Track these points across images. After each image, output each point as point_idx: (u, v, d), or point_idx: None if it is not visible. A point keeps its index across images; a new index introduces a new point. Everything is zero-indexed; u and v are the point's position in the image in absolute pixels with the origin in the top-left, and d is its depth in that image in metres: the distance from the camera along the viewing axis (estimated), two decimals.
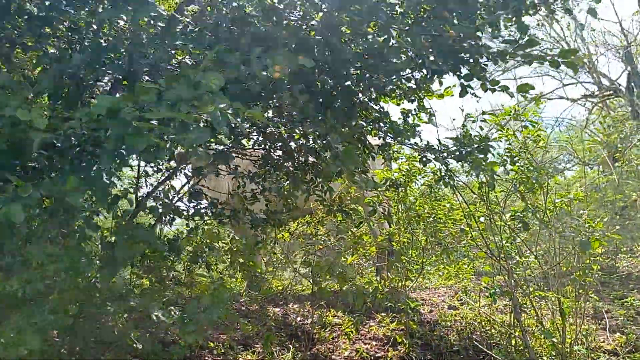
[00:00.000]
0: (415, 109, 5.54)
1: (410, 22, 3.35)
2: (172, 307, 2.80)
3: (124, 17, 2.43)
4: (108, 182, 2.29)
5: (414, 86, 5.22)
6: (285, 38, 3.07)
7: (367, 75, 3.38)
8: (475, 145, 3.78)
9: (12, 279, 2.18)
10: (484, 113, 5.40)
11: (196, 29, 3.07)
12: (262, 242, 6.24)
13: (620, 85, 18.14)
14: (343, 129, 2.74)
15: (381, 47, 3.11)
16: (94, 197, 2.25)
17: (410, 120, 4.73)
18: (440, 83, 5.11)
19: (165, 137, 2.18)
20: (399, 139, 3.84)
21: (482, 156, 3.90)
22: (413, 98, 5.69)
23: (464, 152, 3.90)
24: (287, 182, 5.65)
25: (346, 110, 3.44)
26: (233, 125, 2.10)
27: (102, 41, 2.59)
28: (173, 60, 3.14)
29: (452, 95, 6.50)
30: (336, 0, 3.05)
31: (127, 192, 2.71)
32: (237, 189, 5.46)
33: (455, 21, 3.89)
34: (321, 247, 7.32)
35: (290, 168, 5.53)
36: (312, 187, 5.67)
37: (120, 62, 2.75)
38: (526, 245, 5.79)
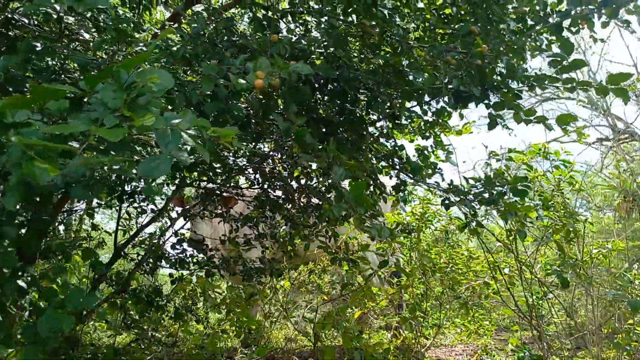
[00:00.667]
0: (431, 146, 4.93)
1: (432, 35, 2.76)
2: None
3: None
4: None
5: (430, 119, 4.63)
6: (277, 46, 2.47)
7: (380, 100, 2.76)
8: (509, 186, 3.12)
9: None
10: (510, 151, 4.74)
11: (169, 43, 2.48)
12: (258, 294, 5.53)
13: (635, 128, 17.63)
14: (350, 161, 2.10)
15: (398, 63, 2.49)
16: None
17: (425, 158, 4.10)
18: (461, 116, 4.51)
19: (105, 168, 1.56)
20: (417, 177, 3.19)
21: (516, 200, 3.24)
22: (428, 134, 5.09)
23: (494, 194, 3.24)
24: (286, 226, 5.01)
25: (353, 141, 2.82)
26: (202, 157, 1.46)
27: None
28: None
29: (471, 133, 5.88)
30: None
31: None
32: (229, 234, 4.79)
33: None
34: (325, 298, 6.59)
35: (292, 210, 4.89)
36: (314, 232, 5.00)
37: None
38: (560, 303, 5.03)
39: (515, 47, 3.50)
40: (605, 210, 12.92)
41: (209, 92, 2.14)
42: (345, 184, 2.43)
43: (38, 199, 2.01)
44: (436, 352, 7.61)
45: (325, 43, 2.50)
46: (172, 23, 3.54)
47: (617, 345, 4.64)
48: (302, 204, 4.80)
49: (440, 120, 4.80)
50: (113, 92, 1.26)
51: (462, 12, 3.70)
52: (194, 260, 4.53)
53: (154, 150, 3.23)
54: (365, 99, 2.86)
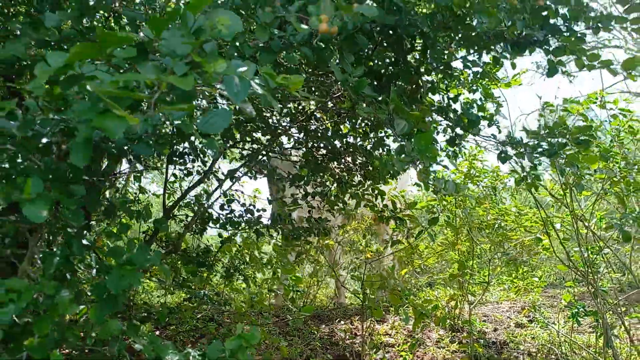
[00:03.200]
0: (480, 99, 4.75)
1: None
2: (190, 350, 2.12)
3: None
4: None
5: (481, 69, 4.44)
6: None
7: (438, 48, 2.62)
8: (574, 136, 2.96)
9: None
10: (566, 101, 4.53)
11: None
12: (304, 254, 5.55)
13: None
14: (408, 110, 2.00)
15: (462, 3, 2.34)
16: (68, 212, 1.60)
17: (481, 109, 3.93)
18: (514, 66, 4.31)
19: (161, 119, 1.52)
20: (474, 130, 3.06)
21: (580, 150, 3.08)
22: (475, 87, 4.90)
23: (555, 146, 3.09)
24: (331, 185, 4.95)
25: (409, 92, 2.70)
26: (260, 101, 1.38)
27: None
28: None
29: (521, 84, 5.64)
30: None
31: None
32: (276, 194, 4.78)
33: None
34: (369, 256, 6.58)
35: (337, 169, 4.83)
36: (361, 190, 4.93)
37: None
38: (618, 258, 4.87)
39: None
40: None
41: (261, 44, 2.05)
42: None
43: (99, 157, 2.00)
44: (482, 309, 7.56)
45: None
46: None
47: None
48: (347, 163, 4.72)
49: (489, 71, 4.60)
50: (181, 37, 1.19)
51: None
52: (243, 220, 4.53)
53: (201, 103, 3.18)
54: (420, 47, 2.72)
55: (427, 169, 2.10)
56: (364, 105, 2.23)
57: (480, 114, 4.52)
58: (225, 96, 1.42)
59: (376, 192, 4.98)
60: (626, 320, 4.76)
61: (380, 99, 2.10)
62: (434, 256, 6.04)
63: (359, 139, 4.59)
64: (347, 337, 6.04)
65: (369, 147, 4.55)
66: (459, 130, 3.26)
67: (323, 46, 2.03)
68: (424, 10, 2.56)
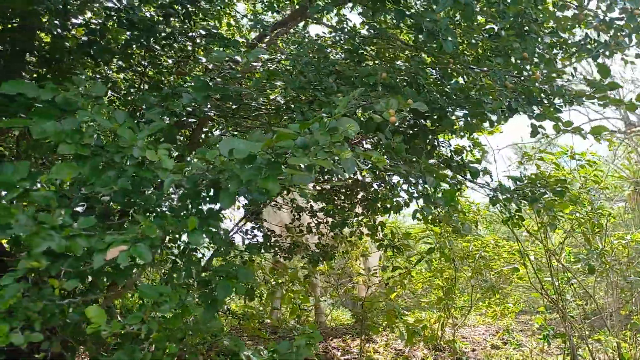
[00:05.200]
0: (469, 146, 5.54)
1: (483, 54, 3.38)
2: (262, 347, 2.76)
3: (239, 58, 2.47)
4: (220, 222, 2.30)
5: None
6: (372, 78, 3.09)
7: (450, 117, 3.38)
8: (552, 187, 3.74)
9: (129, 317, 2.18)
10: (541, 152, 5.35)
11: (286, 70, 3.11)
12: (310, 276, 6.20)
13: None
14: (437, 170, 2.73)
15: (468, 88, 3.11)
16: (210, 237, 2.25)
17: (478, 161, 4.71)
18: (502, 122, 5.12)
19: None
20: (474, 179, 3.81)
21: (556, 198, 3.86)
22: (462, 134, 5.70)
23: (537, 194, 3.86)
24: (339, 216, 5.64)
25: (425, 149, 3.44)
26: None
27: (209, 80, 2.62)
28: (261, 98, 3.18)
29: (501, 132, 6.49)
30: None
31: (227, 231, 2.71)
32: (292, 222, 5.46)
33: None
34: (362, 279, 7.27)
35: (346, 202, 5.52)
36: (364, 221, 5.65)
37: (226, 103, 2.79)
38: (583, 288, 5.67)
39: (548, 57, 4.11)
40: (615, 201, 13.47)
41: None
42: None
43: None
44: (461, 331, 8.29)
45: (412, 73, 3.12)
46: (259, 43, 4.15)
47: (634, 325, 5.28)
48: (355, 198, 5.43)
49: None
50: (322, 135, 1.89)
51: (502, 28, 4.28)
52: (262, 245, 5.17)
53: None
54: (435, 115, 3.46)
55: (451, 214, 2.82)
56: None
57: (469, 158, 5.31)
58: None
59: (377, 223, 5.70)
60: (589, 342, 5.53)
61: (414, 160, 2.83)
62: (422, 282, 6.76)
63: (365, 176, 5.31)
64: (341, 353, 6.67)
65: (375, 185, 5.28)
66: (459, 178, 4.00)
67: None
68: (445, 89, 3.30)
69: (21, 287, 2.19)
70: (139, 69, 3.65)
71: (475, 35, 4.10)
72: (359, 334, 6.58)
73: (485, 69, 3.54)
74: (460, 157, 3.98)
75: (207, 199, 2.26)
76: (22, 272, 2.16)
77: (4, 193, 2.20)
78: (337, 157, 1.93)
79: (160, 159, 2.03)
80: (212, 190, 2.25)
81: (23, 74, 2.81)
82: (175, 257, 2.64)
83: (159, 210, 2.30)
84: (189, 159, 2.59)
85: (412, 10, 3.28)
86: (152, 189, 2.29)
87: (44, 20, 2.76)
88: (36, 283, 2.49)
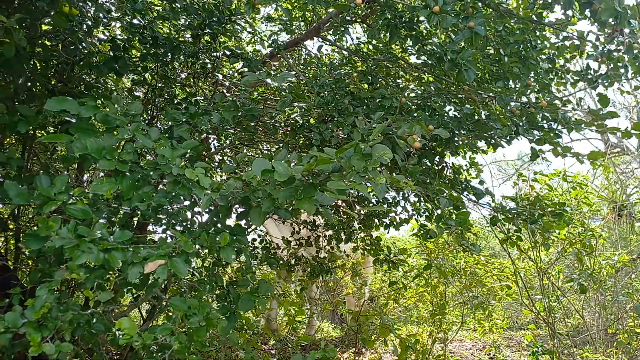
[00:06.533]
0: (466, 164, 5.71)
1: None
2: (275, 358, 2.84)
3: (269, 80, 2.57)
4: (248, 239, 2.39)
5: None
6: (389, 100, 3.21)
7: (459, 140, 3.53)
8: (550, 209, 3.89)
9: (159, 329, 2.24)
10: (535, 173, 5.53)
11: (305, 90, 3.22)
12: (306, 289, 6.27)
13: (627, 143, 18.46)
14: (451, 191, 2.85)
15: (477, 113, 3.25)
16: (240, 252, 2.34)
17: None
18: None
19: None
20: (479, 199, 3.94)
21: (554, 220, 4.01)
22: (459, 153, 5.87)
23: (536, 215, 4.00)
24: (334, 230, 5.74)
25: (434, 170, 3.57)
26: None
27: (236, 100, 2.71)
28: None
29: (494, 152, 6.67)
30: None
31: (249, 246, 2.79)
32: (292, 235, 5.53)
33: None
34: (352, 292, 7.37)
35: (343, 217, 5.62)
36: (363, 236, 5.76)
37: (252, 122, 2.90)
38: (572, 306, 5.84)
39: (545, 82, 4.29)
40: (594, 219, 13.78)
41: None
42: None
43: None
44: (449, 346, 8.42)
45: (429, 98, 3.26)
46: (271, 60, 4.25)
47: (620, 343, 5.45)
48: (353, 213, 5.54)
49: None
50: (357, 160, 1.99)
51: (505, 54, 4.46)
52: (262, 256, 5.24)
53: None
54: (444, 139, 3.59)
55: (463, 234, 2.93)
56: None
57: (465, 176, 5.45)
58: None
59: (373, 238, 5.82)
60: (577, 359, 5.70)
61: (427, 181, 2.94)
62: (413, 296, 6.87)
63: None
64: None
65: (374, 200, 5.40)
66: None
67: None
68: (456, 114, 3.44)
69: (51, 298, 2.24)
70: (151, 82, 3.72)
71: (477, 59, 4.27)
72: (349, 346, 6.66)
73: (491, 94, 3.69)
74: (460, 176, 4.12)
75: (238, 216, 2.34)
76: (57, 283, 2.22)
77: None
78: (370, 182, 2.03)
79: (198, 177, 2.11)
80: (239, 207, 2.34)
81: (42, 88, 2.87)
82: (195, 271, 2.71)
83: (187, 226, 2.38)
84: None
85: (425, 36, 3.41)
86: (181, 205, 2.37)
87: (75, 36, 2.83)
88: (61, 293, 2.55)
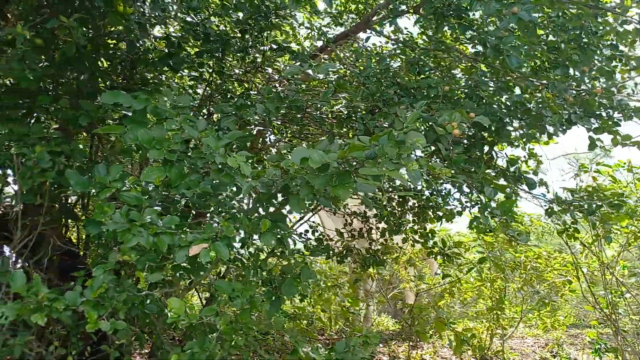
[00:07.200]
0: (524, 156, 5.55)
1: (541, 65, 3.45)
2: (320, 345, 2.91)
3: (311, 72, 2.65)
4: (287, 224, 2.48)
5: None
6: (434, 90, 3.20)
7: (508, 129, 3.47)
8: (609, 200, 3.75)
9: (204, 309, 2.37)
10: (598, 164, 5.31)
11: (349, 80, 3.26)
12: (360, 280, 6.33)
13: None
14: (495, 180, 2.82)
15: (528, 101, 3.18)
16: (279, 237, 2.43)
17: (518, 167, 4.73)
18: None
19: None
20: (532, 189, 3.86)
21: (613, 211, 3.86)
22: (517, 143, 5.71)
23: (594, 206, 3.87)
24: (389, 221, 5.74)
25: (483, 160, 3.52)
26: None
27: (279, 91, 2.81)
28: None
29: (557, 143, 6.45)
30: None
31: (290, 233, 2.88)
32: (344, 227, 5.60)
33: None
34: (406, 286, 7.35)
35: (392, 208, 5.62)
36: (413, 227, 5.73)
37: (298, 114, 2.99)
38: (637, 301, 5.58)
39: (608, 69, 4.11)
40: None
41: None
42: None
43: None
44: (509, 342, 8.23)
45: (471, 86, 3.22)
46: (320, 53, 4.32)
47: None
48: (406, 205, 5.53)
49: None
50: (390, 147, 2.02)
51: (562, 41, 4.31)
52: (316, 246, 5.33)
53: None
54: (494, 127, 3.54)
55: (509, 223, 2.90)
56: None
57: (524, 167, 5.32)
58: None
59: (427, 230, 5.77)
60: None
61: (472, 170, 2.92)
62: (471, 290, 6.77)
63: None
64: (388, 358, 6.76)
65: (427, 193, 5.36)
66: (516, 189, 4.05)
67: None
68: (506, 103, 3.38)
69: (107, 279, 2.41)
70: (209, 78, 3.89)
71: (535, 46, 4.15)
72: (406, 340, 6.66)
73: (544, 81, 3.59)
74: (515, 167, 4.02)
75: (278, 203, 2.43)
76: (111, 264, 2.39)
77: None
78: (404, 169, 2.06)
79: (240, 165, 2.21)
80: (280, 195, 2.43)
81: (108, 84, 3.07)
82: (242, 256, 2.83)
83: (232, 212, 2.49)
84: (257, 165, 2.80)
85: (475, 25, 3.37)
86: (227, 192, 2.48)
87: (132, 34, 3.01)
88: (117, 275, 2.73)
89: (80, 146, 3.11)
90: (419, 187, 5.37)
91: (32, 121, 2.96)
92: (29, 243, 2.97)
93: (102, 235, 2.43)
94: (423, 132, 2.83)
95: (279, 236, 2.43)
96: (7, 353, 2.69)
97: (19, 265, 3.50)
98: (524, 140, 5.11)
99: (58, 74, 2.84)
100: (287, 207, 2.49)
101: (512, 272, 6.72)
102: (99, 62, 3.37)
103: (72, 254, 3.83)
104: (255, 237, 2.47)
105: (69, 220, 4.44)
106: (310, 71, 2.62)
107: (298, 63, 3.02)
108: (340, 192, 2.05)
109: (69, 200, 4.33)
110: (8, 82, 2.94)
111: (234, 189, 2.44)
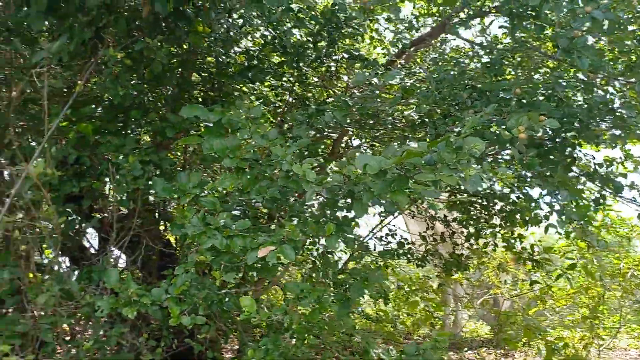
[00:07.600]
0: (620, 157, 5.22)
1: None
2: (391, 347, 2.96)
3: (376, 80, 2.73)
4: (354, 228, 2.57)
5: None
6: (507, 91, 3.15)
7: (590, 129, 3.32)
8: None
9: (274, 309, 2.52)
10: None
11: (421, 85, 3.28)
12: (443, 285, 6.26)
13: None
14: (573, 184, 2.72)
15: (610, 100, 3.04)
16: (345, 242, 2.53)
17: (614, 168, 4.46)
18: None
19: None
20: (619, 193, 3.65)
21: None
22: (614, 144, 5.38)
23: None
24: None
25: (563, 162, 3.39)
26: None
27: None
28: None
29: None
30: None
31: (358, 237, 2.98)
32: (426, 231, 5.57)
33: None
34: (497, 292, 7.13)
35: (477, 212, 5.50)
36: (499, 232, 5.57)
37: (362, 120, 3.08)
38: None
39: None
40: None
41: None
42: None
43: None
44: (609, 353, 7.73)
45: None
46: (398, 59, 4.35)
47: None
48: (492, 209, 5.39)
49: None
50: (448, 153, 2.05)
51: None
52: (395, 251, 5.34)
53: None
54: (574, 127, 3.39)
55: (585, 229, 2.79)
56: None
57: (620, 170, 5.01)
58: None
59: (515, 235, 5.59)
60: None
61: (548, 174, 2.84)
62: (565, 298, 6.46)
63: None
64: None
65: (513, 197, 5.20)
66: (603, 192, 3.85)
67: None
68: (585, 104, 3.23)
69: (189, 277, 2.63)
70: (289, 86, 4.08)
71: (627, 43, 3.93)
72: (495, 347, 6.48)
73: (632, 80, 3.40)
74: (608, 169, 3.82)
75: (344, 208, 2.53)
76: (191, 264, 2.60)
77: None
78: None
79: (304, 172, 2.32)
80: (347, 200, 2.52)
81: (194, 97, 3.33)
82: (315, 258, 2.95)
83: (301, 216, 2.61)
84: (328, 170, 2.91)
85: (553, 24, 3.27)
86: (296, 197, 2.62)
87: (216, 50, 3.26)
88: (199, 274, 2.95)
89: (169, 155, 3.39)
90: (504, 191, 5.23)
91: (127, 133, 3.28)
92: (125, 244, 3.28)
93: (185, 237, 2.65)
94: (497, 136, 2.81)
95: (342, 239, 2.52)
96: (106, 343, 3.00)
97: (121, 264, 3.85)
98: (610, 142, 4.83)
99: (148, 90, 3.13)
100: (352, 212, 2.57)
101: (610, 279, 6.33)
102: (189, 77, 3.66)
103: (170, 255, 4.15)
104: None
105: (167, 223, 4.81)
106: (375, 79, 2.69)
107: (366, 72, 3.10)
108: (398, 198, 2.11)
109: (166, 204, 4.69)
110: (107, 98, 3.27)
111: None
